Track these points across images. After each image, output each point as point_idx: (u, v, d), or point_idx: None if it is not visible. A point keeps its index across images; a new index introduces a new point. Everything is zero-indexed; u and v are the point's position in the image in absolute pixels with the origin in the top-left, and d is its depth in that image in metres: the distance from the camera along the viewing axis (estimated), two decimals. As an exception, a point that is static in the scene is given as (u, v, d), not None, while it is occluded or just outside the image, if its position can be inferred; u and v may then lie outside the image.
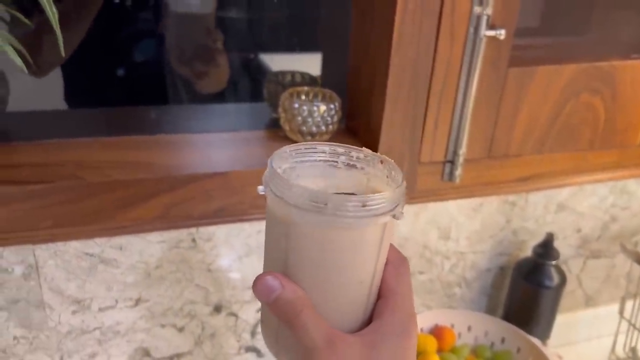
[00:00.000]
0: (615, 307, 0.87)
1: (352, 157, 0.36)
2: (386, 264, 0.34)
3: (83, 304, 0.62)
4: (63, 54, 0.47)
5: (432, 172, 0.68)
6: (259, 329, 0.72)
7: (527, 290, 0.77)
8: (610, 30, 0.85)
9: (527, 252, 0.79)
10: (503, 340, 0.78)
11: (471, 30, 0.61)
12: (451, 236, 0.76)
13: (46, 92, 0.82)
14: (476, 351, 0.79)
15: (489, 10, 0.60)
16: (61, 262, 0.59)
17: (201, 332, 0.69)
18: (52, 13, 0.46)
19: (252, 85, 0.92)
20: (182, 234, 0.63)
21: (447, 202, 0.74)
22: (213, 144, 0.69)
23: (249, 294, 0.69)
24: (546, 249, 0.75)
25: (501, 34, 0.61)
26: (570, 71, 0.68)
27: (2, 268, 0.58)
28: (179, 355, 0.69)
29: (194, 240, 0.64)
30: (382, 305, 0.34)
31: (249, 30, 0.94)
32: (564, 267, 0.84)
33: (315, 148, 0.36)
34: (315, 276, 0.33)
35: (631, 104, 0.73)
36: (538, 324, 0.78)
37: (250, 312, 0.71)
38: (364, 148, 0.36)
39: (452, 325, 0.80)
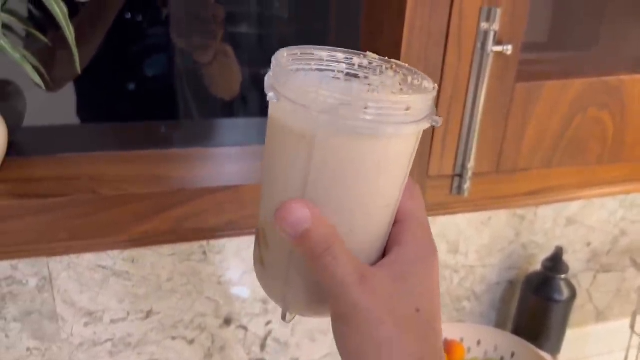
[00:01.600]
0: (626, 322, 0.86)
1: (353, 64, 0.31)
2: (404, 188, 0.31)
3: (95, 316, 0.63)
4: (79, 70, 0.49)
5: (440, 185, 0.68)
6: (269, 342, 0.73)
7: (536, 304, 0.77)
8: (617, 44, 0.85)
9: (537, 266, 0.79)
10: (513, 355, 0.78)
11: (478, 46, 0.61)
12: (460, 250, 0.76)
13: (60, 107, 0.84)
14: (486, 365, 0.78)
15: (496, 26, 0.61)
16: (74, 274, 0.60)
17: (211, 345, 0.70)
18: (69, 32, 0.47)
19: (262, 100, 0.94)
20: (194, 246, 0.64)
21: (456, 215, 0.74)
22: (224, 158, 0.70)
23: (259, 306, 0.70)
24: (555, 262, 0.75)
25: (508, 49, 0.62)
26: (578, 86, 0.68)
27: (16, 280, 0.59)
28: (189, 367, 0.70)
29: (204, 253, 0.64)
30: (400, 231, 0.30)
31: (259, 45, 0.96)
32: (574, 281, 0.84)
33: (313, 54, 0.30)
34: (342, 200, 0.28)
35: (639, 119, 0.73)
36: (548, 339, 0.78)
37: (260, 325, 0.71)
38: (369, 53, 0.31)
39: (462, 339, 0.79)
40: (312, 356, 0.75)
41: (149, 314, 0.65)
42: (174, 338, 0.67)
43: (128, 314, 0.64)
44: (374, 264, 0.30)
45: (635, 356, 0.86)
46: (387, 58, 0.31)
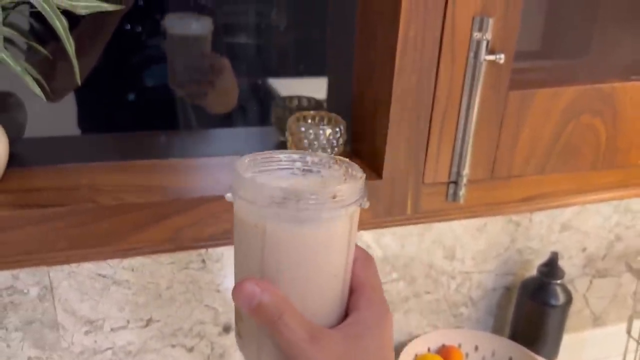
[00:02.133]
0: (623, 327, 0.87)
1: (307, 162, 0.36)
2: (354, 260, 0.35)
3: (95, 324, 0.64)
4: (79, 82, 0.50)
5: (436, 192, 0.69)
6: (268, 349, 0.73)
7: (533, 309, 0.78)
8: (610, 51, 0.87)
9: (533, 271, 0.80)
10: (510, 360, 0.79)
11: (471, 55, 0.62)
12: (456, 256, 0.77)
13: (61, 118, 0.84)
14: (484, 371, 0.79)
15: (488, 36, 0.62)
16: (75, 283, 0.61)
17: (210, 352, 0.70)
18: (69, 45, 0.48)
19: (259, 110, 0.95)
20: (192, 255, 0.64)
21: (452, 222, 0.75)
22: (222, 167, 0.70)
23: (258, 314, 0.70)
24: (551, 268, 0.76)
25: (501, 58, 0.63)
26: (571, 93, 0.69)
27: (17, 289, 0.59)
28: (188, 375, 0.71)
29: (203, 261, 0.65)
30: (356, 298, 0.35)
31: (256, 56, 0.97)
32: (570, 287, 0.85)
33: (272, 157, 0.36)
34: (293, 275, 0.33)
35: (632, 125, 0.74)
36: (545, 343, 0.79)
37: (259, 332, 0.72)
38: (319, 152, 0.38)
39: (459, 345, 0.80)
40: None
41: (148, 322, 0.66)
42: (173, 346, 0.68)
43: (128, 322, 0.65)
44: (334, 327, 0.34)
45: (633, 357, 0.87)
46: (332, 155, 0.37)
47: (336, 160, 0.36)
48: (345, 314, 0.35)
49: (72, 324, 0.63)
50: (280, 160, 0.36)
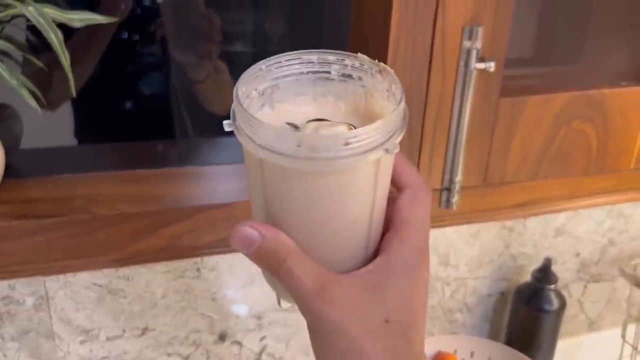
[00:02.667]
0: (618, 331, 0.87)
1: (346, 65, 0.30)
2: (404, 189, 0.30)
3: (91, 333, 0.64)
4: (74, 94, 0.51)
5: (429, 199, 0.69)
6: (264, 357, 0.73)
7: (527, 315, 0.78)
8: (600, 58, 0.88)
9: (527, 277, 0.80)
10: (506, 366, 0.79)
11: (462, 64, 0.63)
12: (450, 262, 0.78)
13: (57, 129, 0.85)
14: (479, 378, 0.79)
15: (478, 44, 0.63)
16: (70, 293, 0.62)
17: (206, 361, 0.71)
18: (64, 57, 0.49)
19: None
20: (187, 263, 0.65)
21: (445, 228, 0.76)
22: (218, 176, 0.71)
23: (253, 322, 0.71)
24: (545, 273, 0.77)
25: (491, 66, 0.64)
26: (561, 100, 0.70)
27: (14, 300, 0.60)
28: (185, 384, 0.71)
29: (198, 270, 0.66)
30: (390, 238, 0.29)
31: (253, 62, 0.98)
32: (564, 292, 0.85)
33: (301, 58, 0.30)
34: (299, 220, 0.28)
35: (622, 130, 0.75)
36: (540, 349, 0.79)
37: (255, 340, 0.72)
38: (359, 54, 0.31)
39: (455, 351, 0.80)
40: (307, 370, 0.76)
41: (144, 331, 0.66)
42: (169, 354, 0.68)
43: (124, 331, 0.65)
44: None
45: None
46: (376, 60, 0.31)
47: (380, 70, 0.30)
48: (376, 255, 0.30)
49: (68, 334, 0.63)
50: (312, 62, 0.30)
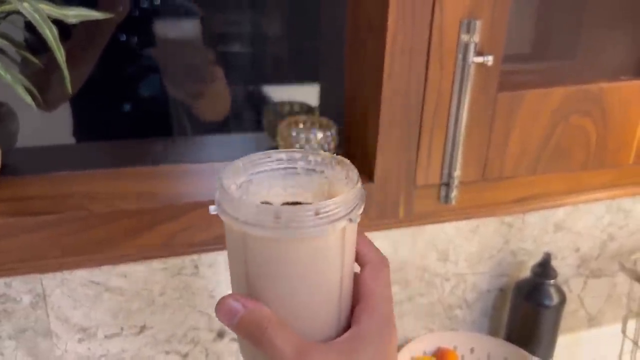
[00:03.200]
0: (618, 326, 0.87)
1: (310, 161, 0.35)
2: (365, 265, 0.34)
3: (89, 332, 0.64)
4: (70, 91, 0.50)
5: (428, 195, 0.69)
6: (263, 355, 0.73)
7: (527, 310, 0.78)
8: (598, 53, 0.87)
9: (526, 272, 0.80)
10: (506, 362, 0.79)
11: (460, 57, 0.63)
12: (450, 258, 0.77)
13: (54, 128, 0.85)
14: (479, 373, 0.79)
15: (476, 38, 0.62)
16: (68, 290, 0.61)
17: (205, 359, 0.70)
18: (59, 53, 0.49)
19: (252, 116, 0.95)
20: (185, 260, 0.65)
21: (445, 224, 0.75)
22: (214, 173, 0.71)
23: (252, 319, 0.70)
24: (544, 268, 0.76)
25: (489, 60, 0.63)
26: (560, 94, 0.70)
27: (10, 297, 0.59)
28: (183, 381, 0.71)
29: (196, 267, 0.65)
30: (359, 309, 0.33)
31: (250, 63, 0.98)
32: (564, 287, 0.85)
33: (271, 156, 0.35)
34: (278, 289, 0.32)
35: (621, 125, 0.75)
36: (540, 344, 0.79)
37: (254, 337, 0.72)
38: (321, 151, 0.35)
39: (455, 347, 0.80)
40: None
41: (142, 328, 0.66)
42: (167, 352, 0.68)
43: (122, 329, 0.65)
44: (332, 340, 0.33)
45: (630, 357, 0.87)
46: (334, 155, 0.35)
47: (338, 161, 0.34)
48: (348, 326, 0.33)
49: (66, 332, 0.63)
50: (281, 160, 0.35)
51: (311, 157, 0.35)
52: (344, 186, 0.34)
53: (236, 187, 0.34)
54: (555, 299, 0.77)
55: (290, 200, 0.35)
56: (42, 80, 0.62)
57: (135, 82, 0.89)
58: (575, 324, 0.91)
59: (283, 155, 0.35)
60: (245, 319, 0.31)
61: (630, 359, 0.87)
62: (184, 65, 0.84)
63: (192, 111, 0.90)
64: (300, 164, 0.35)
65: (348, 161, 0.34)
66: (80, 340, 0.64)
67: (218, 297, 0.67)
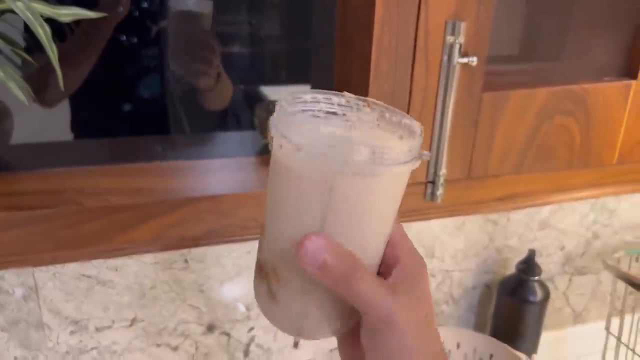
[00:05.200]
0: (603, 323, 0.88)
1: (332, 103, 0.34)
2: None
3: (80, 324, 0.65)
4: (62, 88, 0.52)
5: (414, 192, 0.71)
6: (252, 348, 0.74)
7: (512, 306, 0.79)
8: (584, 54, 0.89)
9: (512, 269, 0.81)
10: (491, 357, 0.80)
11: (445, 58, 0.65)
12: (436, 255, 0.79)
13: (51, 125, 0.86)
14: (465, 368, 0.80)
15: (461, 39, 0.64)
16: (60, 283, 0.63)
17: (195, 352, 0.71)
18: (52, 52, 0.50)
19: (245, 115, 0.97)
20: (175, 255, 0.66)
21: (431, 221, 0.77)
22: (206, 170, 0.72)
23: (240, 313, 0.72)
24: (528, 265, 0.78)
25: (473, 60, 0.65)
26: (544, 95, 0.71)
27: (3, 290, 0.61)
28: (174, 374, 0.72)
29: (186, 261, 0.67)
30: (400, 250, 0.34)
31: (245, 65, 0.99)
32: (549, 284, 0.87)
33: (300, 97, 0.33)
34: (358, 233, 0.32)
35: (604, 125, 0.76)
36: (524, 339, 0.80)
37: (243, 331, 0.73)
38: (345, 93, 0.34)
39: (442, 342, 0.82)
40: (295, 362, 0.77)
41: (133, 321, 0.67)
42: (158, 345, 0.69)
43: (113, 322, 0.66)
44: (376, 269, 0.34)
45: (613, 357, 0.88)
46: (362, 97, 0.34)
47: (367, 103, 0.33)
48: (385, 264, 0.34)
49: (57, 324, 0.64)
50: (306, 102, 0.33)
51: (334, 99, 0.34)
52: (372, 129, 0.33)
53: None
54: (539, 295, 0.78)
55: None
56: (41, 79, 0.63)
57: (134, 80, 0.90)
58: (561, 321, 0.93)
59: (308, 97, 0.33)
60: (331, 260, 0.30)
61: (614, 356, 0.88)
62: (198, 58, 0.84)
63: (200, 103, 0.90)
64: (321, 105, 0.34)
65: (381, 103, 0.33)
66: (72, 333, 0.65)
67: (208, 292, 0.69)
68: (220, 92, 0.88)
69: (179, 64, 0.86)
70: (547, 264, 0.86)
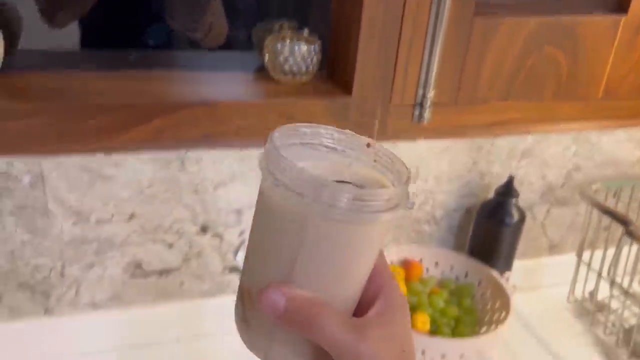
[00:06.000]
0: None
1: (333, 139, 0.33)
2: None
3: (82, 215, 0.70)
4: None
5: (402, 113, 0.74)
6: (242, 251, 0.80)
7: (489, 228, 0.84)
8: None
9: (492, 195, 0.85)
10: (466, 274, 0.86)
11: (437, -20, 0.66)
12: (420, 175, 0.83)
13: (59, 33, 0.89)
14: (442, 283, 0.86)
15: (454, -39, 0.65)
16: (64, 174, 0.67)
17: (189, 250, 0.77)
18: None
19: (245, 35, 0.99)
20: (172, 156, 0.70)
21: (417, 142, 0.80)
22: (204, 80, 0.75)
23: (233, 217, 0.76)
24: (507, 189, 0.82)
25: (466, -17, 0.67)
26: (534, 24, 0.73)
27: (12, 176, 0.65)
28: (168, 270, 0.77)
29: (182, 162, 0.71)
30: (380, 285, 0.34)
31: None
32: (528, 214, 0.91)
33: (297, 130, 0.33)
34: (331, 275, 0.31)
35: (592, 59, 0.78)
36: (499, 260, 0.85)
37: (234, 235, 0.78)
38: (347, 130, 0.34)
39: (421, 260, 0.87)
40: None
41: (131, 216, 0.72)
42: (154, 241, 0.74)
43: (112, 215, 0.71)
44: (353, 314, 0.34)
45: (582, 286, 0.93)
46: (365, 137, 0.34)
47: (367, 143, 0.33)
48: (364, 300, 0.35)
49: (61, 214, 0.69)
50: (305, 134, 0.33)
51: (335, 135, 0.33)
52: (369, 170, 0.33)
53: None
54: (515, 217, 0.83)
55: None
56: (55, 1, 0.65)
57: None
58: (537, 251, 0.98)
59: (308, 130, 0.33)
60: (292, 309, 0.31)
61: (585, 284, 0.93)
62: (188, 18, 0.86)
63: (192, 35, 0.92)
64: (322, 140, 0.33)
65: (379, 144, 0.33)
66: (74, 223, 0.70)
67: (202, 194, 0.74)
68: (213, 39, 0.90)
69: (171, 19, 0.87)
70: (528, 193, 0.90)
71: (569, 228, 0.97)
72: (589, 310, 0.95)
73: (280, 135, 0.32)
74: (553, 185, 0.92)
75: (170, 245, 0.76)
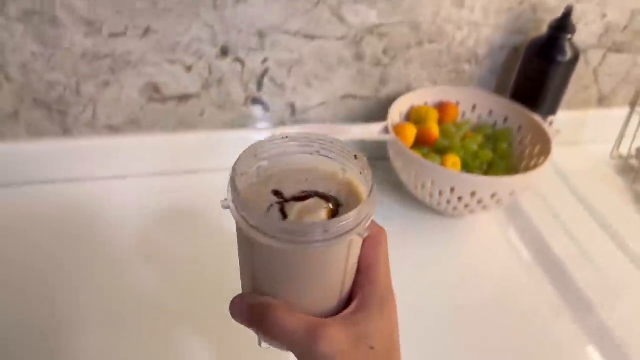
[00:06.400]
0: (627, 110, 0.85)
1: (325, 147, 0.35)
2: (366, 237, 0.34)
3: (94, 27, 0.65)
4: None
5: None
6: (265, 82, 0.74)
7: (537, 66, 0.76)
8: None
9: (544, 32, 0.77)
10: (506, 119, 0.79)
11: None
12: (466, 4, 0.74)
13: None
14: (478, 128, 0.80)
15: None
16: (71, -24, 0.61)
17: (209, 76, 0.72)
18: None
19: None
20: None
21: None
22: None
23: (255, 40, 0.70)
24: (563, 22, 0.73)
25: None
26: None
27: (14, -26, 0.59)
28: (187, 96, 0.73)
29: (200, -31, 0.63)
30: (361, 282, 0.35)
31: None
32: (582, 59, 0.82)
33: (287, 137, 0.35)
34: (282, 287, 0.33)
35: None
36: (544, 102, 0.78)
37: (257, 61, 0.72)
38: (334, 139, 0.35)
39: (458, 103, 0.80)
40: (308, 102, 0.78)
41: (146, 31, 0.66)
42: (172, 62, 0.70)
43: (126, 28, 0.66)
44: (338, 312, 0.35)
45: (632, 135, 0.86)
46: (352, 150, 0.35)
47: (355, 156, 0.34)
48: (348, 296, 0.36)
49: (71, 23, 0.64)
50: (297, 141, 0.35)
51: (327, 144, 0.35)
52: (357, 180, 0.35)
53: (254, 171, 0.34)
54: (568, 55, 0.74)
55: (306, 189, 0.35)
56: None
57: None
58: (584, 102, 0.90)
59: (298, 137, 0.35)
60: (251, 311, 0.33)
61: (632, 140, 0.87)
62: None
63: None
64: (316, 147, 0.35)
65: (365, 160, 0.34)
66: (86, 35, 0.65)
67: (222, 10, 0.67)
68: None
69: None
70: (584, 33, 0.81)
71: (623, 80, 0.89)
72: (633, 167, 0.89)
73: (266, 146, 0.34)
74: (613, 26, 0.82)
75: (189, 69, 0.71)
